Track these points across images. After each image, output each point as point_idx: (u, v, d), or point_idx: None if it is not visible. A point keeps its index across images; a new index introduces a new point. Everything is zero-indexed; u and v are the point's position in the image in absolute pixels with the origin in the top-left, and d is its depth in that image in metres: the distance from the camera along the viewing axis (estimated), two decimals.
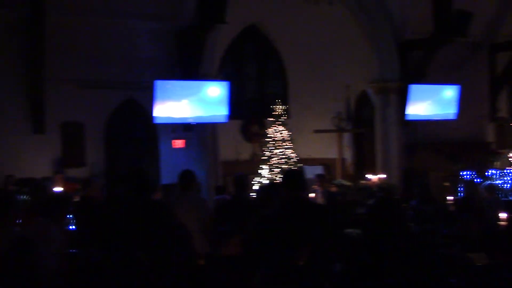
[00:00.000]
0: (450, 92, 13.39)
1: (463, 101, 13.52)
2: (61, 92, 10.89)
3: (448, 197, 8.30)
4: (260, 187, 8.72)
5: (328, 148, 14.22)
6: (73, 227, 6.04)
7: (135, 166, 10.68)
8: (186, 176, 5.56)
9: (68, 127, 11.27)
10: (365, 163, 14.81)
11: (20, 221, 4.14)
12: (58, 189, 8.53)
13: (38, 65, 10.43)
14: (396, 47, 13.08)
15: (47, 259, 3.60)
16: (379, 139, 13.44)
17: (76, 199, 7.65)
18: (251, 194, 7.57)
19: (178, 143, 12.13)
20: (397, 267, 2.99)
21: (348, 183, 11.51)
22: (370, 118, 14.37)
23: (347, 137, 14.47)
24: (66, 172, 10.64)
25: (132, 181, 3.91)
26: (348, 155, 14.64)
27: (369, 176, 12.01)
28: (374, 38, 13.12)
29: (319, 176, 9.16)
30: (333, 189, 10.90)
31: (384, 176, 12.16)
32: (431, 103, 13.23)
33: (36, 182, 8.32)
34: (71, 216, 6.76)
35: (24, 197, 7.34)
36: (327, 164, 13.96)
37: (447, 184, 11.44)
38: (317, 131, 13.49)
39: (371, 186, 11.11)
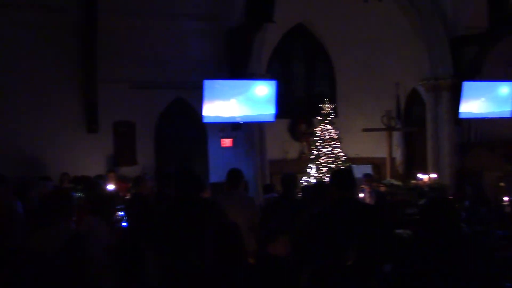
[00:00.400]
0: (506, 89, 12.87)
1: None
2: (113, 92, 11.20)
3: (503, 198, 8.02)
4: (306, 186, 8.65)
5: (377, 147, 13.99)
6: (125, 224, 6.19)
7: (184, 165, 10.86)
8: (234, 175, 5.59)
9: (120, 127, 11.56)
10: (415, 163, 14.48)
11: (75, 218, 4.28)
12: (110, 187, 8.76)
13: (92, 67, 10.76)
14: (449, 43, 12.71)
15: (97, 255, 3.70)
16: (431, 138, 13.11)
17: (128, 196, 7.85)
18: (298, 193, 7.53)
19: (226, 142, 12.24)
20: (450, 270, 2.91)
21: (397, 183, 11.28)
22: (421, 116, 14.04)
23: (396, 136, 14.18)
24: (119, 170, 10.93)
25: (182, 180, 3.95)
26: (397, 154, 14.34)
27: (420, 175, 11.75)
28: (426, 34, 12.80)
29: (366, 175, 9.02)
30: (382, 188, 10.73)
31: (435, 175, 11.87)
32: (486, 100, 12.76)
33: (89, 180, 8.57)
34: (123, 213, 6.95)
35: (79, 194, 7.57)
36: (376, 163, 13.74)
37: (502, 184, 11.04)
38: (366, 130, 13.29)
39: (422, 186, 10.87)
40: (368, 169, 12.04)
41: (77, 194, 7.31)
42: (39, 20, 10.63)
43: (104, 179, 8.97)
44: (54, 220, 3.45)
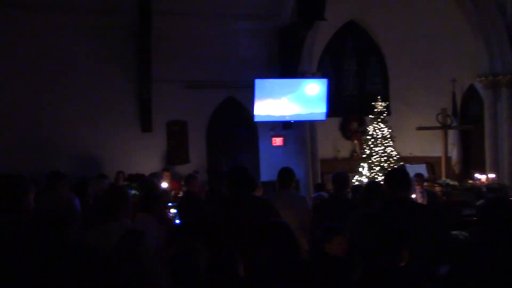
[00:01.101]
0: None
1: None
2: (167, 92, 11.42)
3: None
4: (357, 185, 8.53)
5: (431, 146, 13.62)
6: (178, 221, 6.30)
7: (237, 163, 10.93)
8: (286, 174, 5.57)
9: (173, 126, 11.77)
10: (472, 162, 14.01)
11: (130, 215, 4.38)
12: (164, 185, 8.95)
13: (146, 67, 11.00)
14: (508, 38, 12.21)
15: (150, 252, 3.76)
16: (489, 136, 12.65)
17: (180, 194, 7.99)
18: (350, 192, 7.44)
19: (277, 141, 12.24)
20: (510, 275, 2.80)
21: (453, 183, 10.94)
22: (478, 114, 13.58)
23: (452, 134, 13.76)
24: (174, 169, 11.15)
25: (235, 177, 3.95)
26: (453, 153, 13.91)
27: (477, 175, 11.36)
28: (484, 29, 12.34)
29: (417, 175, 8.79)
30: (437, 188, 10.44)
31: (494, 175, 11.44)
32: None
33: (144, 178, 8.77)
34: (176, 211, 7.08)
35: (133, 192, 7.77)
36: (430, 162, 13.39)
37: None
38: (420, 128, 12.96)
39: (479, 186, 10.50)
40: (422, 168, 11.75)
41: (132, 192, 7.50)
42: (96, 22, 10.98)
43: (159, 177, 9.16)
44: (110, 216, 3.55)
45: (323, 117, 11.62)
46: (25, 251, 2.59)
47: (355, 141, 14.72)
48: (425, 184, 9.97)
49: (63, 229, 2.59)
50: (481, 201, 8.16)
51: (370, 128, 13.04)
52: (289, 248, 3.23)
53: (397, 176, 3.95)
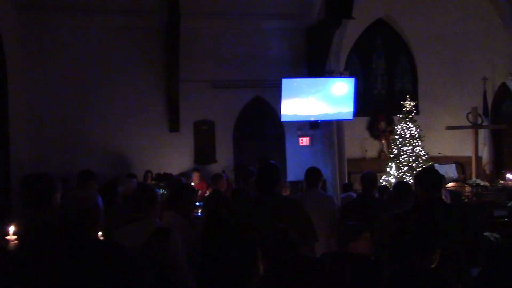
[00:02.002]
0: None
1: None
2: (194, 92, 11.50)
3: None
4: (385, 186, 8.43)
5: (462, 145, 13.39)
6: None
7: (268, 160, 10.89)
8: (313, 174, 5.56)
9: (200, 125, 11.85)
10: (504, 162, 13.71)
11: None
12: (193, 184, 9.01)
13: (174, 67, 11.10)
14: None
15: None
16: None
17: (207, 194, 8.03)
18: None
19: (304, 141, 12.20)
20: None
21: (484, 183, 10.74)
22: (510, 113, 13.28)
23: (483, 133, 13.49)
24: (202, 169, 11.21)
25: (264, 176, 3.94)
26: (484, 153, 13.64)
27: (509, 176, 11.11)
28: None
29: None
30: (467, 189, 10.25)
31: None
32: None
33: (172, 177, 8.85)
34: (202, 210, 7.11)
35: (161, 191, 7.85)
36: (460, 162, 13.16)
37: None
38: (449, 128, 12.75)
39: (511, 187, 10.27)
40: (451, 168, 11.58)
41: (160, 191, 7.57)
42: (125, 23, 11.14)
43: (188, 177, 9.22)
44: (140, 215, 3.59)
45: (350, 117, 11.53)
46: (50, 249, 2.64)
47: (383, 141, 14.57)
48: (455, 184, 9.82)
49: (86, 228, 2.63)
50: None
51: (399, 128, 12.89)
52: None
53: (428, 176, 3.89)
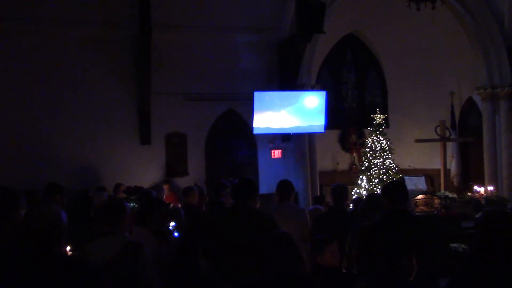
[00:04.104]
0: None
1: None
2: (166, 104, 11.44)
3: None
4: (357, 198, 8.51)
5: (430, 158, 13.63)
6: (176, 234, 6.27)
7: (243, 175, 10.86)
8: (285, 186, 5.57)
9: (172, 138, 11.77)
10: (471, 174, 14.01)
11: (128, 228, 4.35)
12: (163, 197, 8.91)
13: (146, 79, 11.03)
14: (506, 51, 12.27)
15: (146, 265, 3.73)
16: (487, 148, 12.66)
17: (178, 206, 7.94)
18: (349, 205, 7.42)
19: (276, 153, 12.24)
20: None
21: (453, 195, 10.93)
22: (477, 126, 13.60)
23: (451, 146, 13.78)
24: (172, 181, 11.12)
25: (241, 189, 3.95)
26: (452, 165, 13.91)
27: (476, 188, 11.34)
28: (482, 42, 12.41)
29: None
30: (436, 201, 10.39)
31: (493, 188, 11.42)
32: None
33: (142, 191, 8.76)
34: (174, 224, 7.04)
35: (132, 204, 7.75)
36: (429, 175, 13.37)
37: None
38: (418, 141, 12.98)
39: (478, 199, 10.48)
40: (421, 180, 11.73)
41: (130, 205, 7.47)
42: (95, 35, 11.02)
43: (160, 190, 9.13)
44: (109, 229, 3.53)
45: (322, 130, 11.64)
46: (12, 266, 2.56)
47: (354, 154, 14.73)
48: (425, 196, 9.96)
49: (49, 243, 2.57)
50: (479, 214, 8.14)
51: (369, 141, 13.06)
52: (294, 259, 3.23)
53: (394, 189, 3.97)
